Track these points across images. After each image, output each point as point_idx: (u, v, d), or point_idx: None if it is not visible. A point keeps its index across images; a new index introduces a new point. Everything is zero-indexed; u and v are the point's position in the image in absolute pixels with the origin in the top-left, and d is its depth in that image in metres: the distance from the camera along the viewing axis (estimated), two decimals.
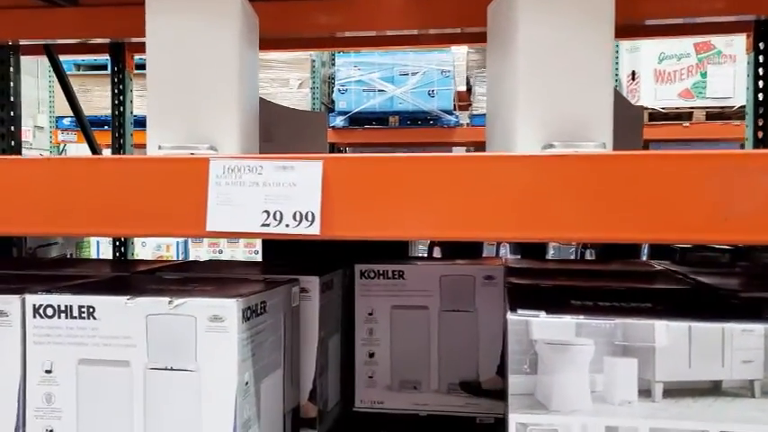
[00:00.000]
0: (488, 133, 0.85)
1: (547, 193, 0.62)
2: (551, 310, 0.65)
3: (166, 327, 0.68)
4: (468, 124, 4.06)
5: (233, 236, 0.67)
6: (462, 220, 0.62)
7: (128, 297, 0.69)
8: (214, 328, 0.68)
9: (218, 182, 0.67)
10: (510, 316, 0.64)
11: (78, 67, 4.03)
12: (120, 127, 1.93)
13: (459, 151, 4.58)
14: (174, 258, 4.01)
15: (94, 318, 0.70)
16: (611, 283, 0.86)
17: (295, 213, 0.66)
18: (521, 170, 0.63)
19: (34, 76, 6.85)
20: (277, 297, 0.79)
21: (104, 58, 2.90)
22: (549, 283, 0.84)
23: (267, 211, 0.66)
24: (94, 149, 1.99)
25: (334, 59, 4.17)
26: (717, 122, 3.80)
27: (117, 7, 1.23)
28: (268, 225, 0.66)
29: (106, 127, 3.01)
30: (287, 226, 0.66)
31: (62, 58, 3.91)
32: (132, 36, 1.26)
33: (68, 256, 1.93)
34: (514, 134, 0.71)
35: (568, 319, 0.63)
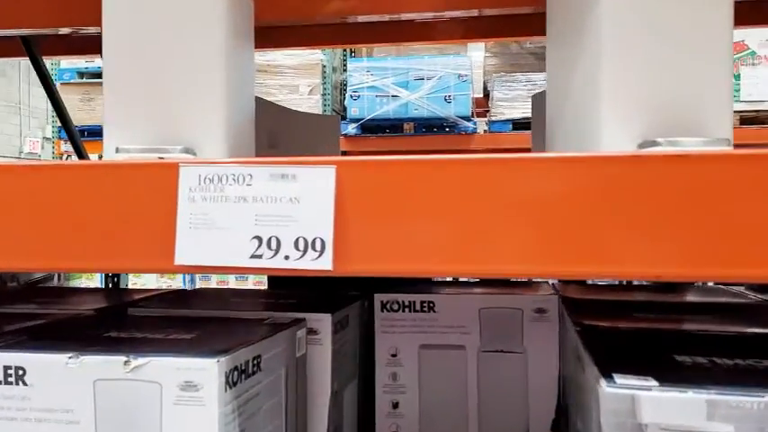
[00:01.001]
0: (549, 137, 0.66)
1: (654, 205, 0.43)
2: (661, 375, 0.46)
3: (121, 397, 0.50)
4: (485, 131, 3.87)
5: (209, 271, 0.49)
6: (541, 251, 0.43)
7: (70, 355, 0.51)
8: (186, 400, 0.49)
9: (192, 197, 0.48)
10: (605, 387, 0.44)
11: (82, 75, 3.89)
12: None
13: None
14: (181, 286, 3.83)
15: (25, 383, 0.51)
16: (711, 324, 0.66)
17: (297, 240, 0.47)
18: (618, 175, 0.44)
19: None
20: (276, 347, 0.60)
21: None
22: (631, 325, 0.64)
23: (258, 237, 0.47)
24: (82, 158, 1.82)
25: (345, 65, 4.00)
26: (752, 127, 3.58)
27: None
28: (260, 257, 0.47)
29: None
30: (286, 258, 0.47)
31: (64, 65, 3.79)
32: None
33: (56, 280, 1.75)
34: (597, 130, 0.52)
35: (694, 395, 0.43)
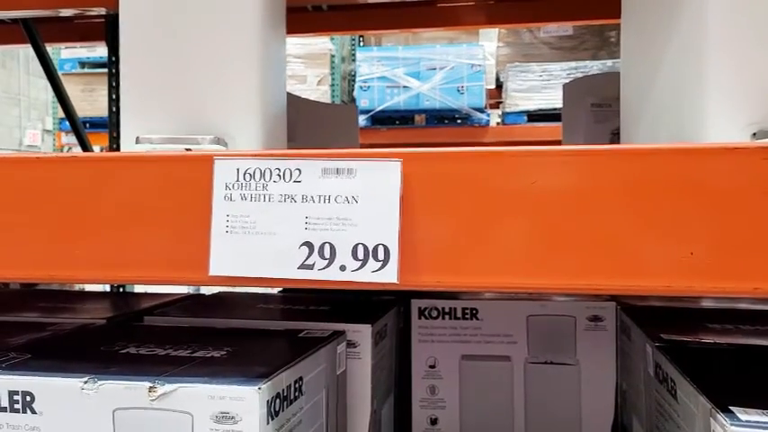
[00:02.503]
0: (625, 127, 0.58)
1: None
2: None
3: (145, 430, 0.42)
4: (498, 123, 3.78)
5: (250, 283, 0.41)
6: (673, 264, 0.36)
7: (85, 379, 0.43)
8: None
9: (229, 195, 0.41)
10: (729, 426, 0.37)
11: (83, 65, 3.80)
12: (117, 124, 1.69)
13: None
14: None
15: (33, 411, 0.44)
16: None
17: (356, 247, 0.39)
18: (737, 173, 0.36)
19: (44, 78, 6.68)
20: (317, 366, 0.53)
21: None
22: (719, 339, 0.56)
23: (309, 244, 0.40)
24: (88, 151, 1.75)
25: (354, 55, 3.91)
26: None
27: None
28: (310, 267, 0.40)
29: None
30: (342, 269, 0.39)
31: (65, 55, 3.71)
32: None
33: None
34: (700, 118, 0.44)
35: None
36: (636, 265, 0.36)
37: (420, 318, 0.79)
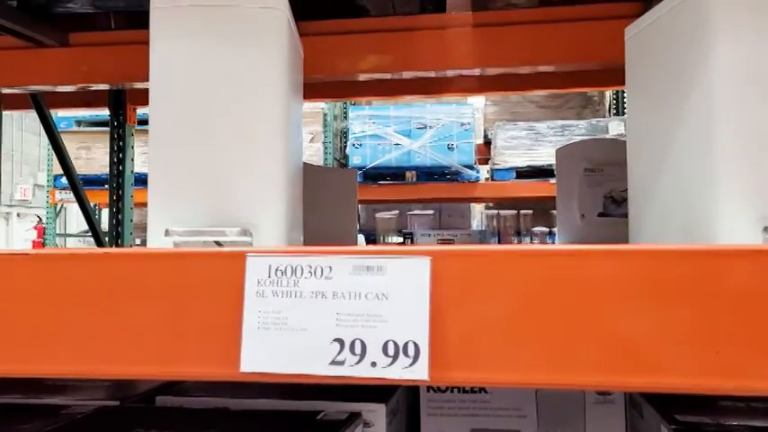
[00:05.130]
0: (635, 213, 0.60)
1: None
2: None
3: None
4: (487, 179, 3.84)
5: (282, 379, 0.42)
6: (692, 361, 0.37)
7: None
8: None
9: (261, 291, 0.42)
10: None
11: (79, 123, 3.83)
12: (119, 186, 1.70)
13: (477, 208, 4.35)
14: None
15: None
16: None
17: (386, 344, 0.40)
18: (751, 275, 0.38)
19: (36, 134, 6.73)
20: None
21: (106, 113, 2.71)
22: (730, 420, 0.57)
23: (340, 340, 0.41)
24: (86, 210, 1.76)
25: (346, 113, 3.99)
26: None
27: (114, 47, 1.00)
28: (341, 363, 0.40)
29: (107, 186, 2.79)
30: (373, 365, 0.40)
31: (62, 113, 3.74)
32: (134, 80, 1.04)
33: None
34: (710, 212, 0.47)
35: None
36: (661, 363, 0.37)
37: (429, 391, 0.79)
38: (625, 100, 1.24)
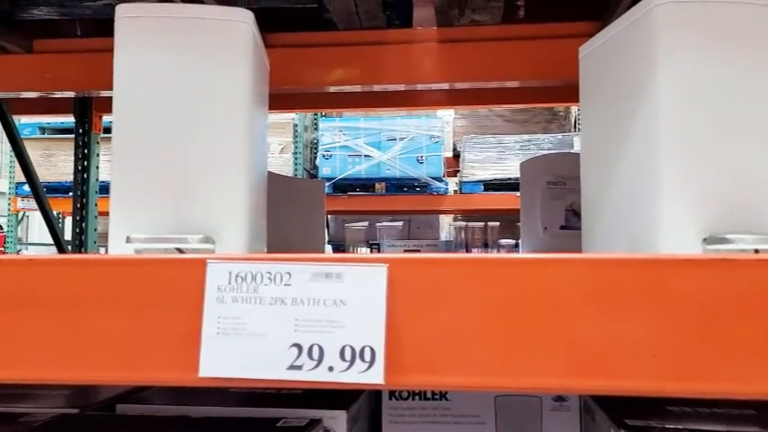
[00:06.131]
0: (587, 224, 0.62)
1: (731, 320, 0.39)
2: None
3: None
4: (456, 191, 3.88)
5: (240, 383, 0.42)
6: (624, 365, 0.39)
7: None
8: None
9: (221, 297, 0.42)
10: None
11: (43, 130, 3.77)
12: (83, 194, 1.68)
13: (446, 220, 4.38)
14: None
15: None
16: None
17: (343, 349, 0.41)
18: (693, 283, 0.40)
19: None
20: None
21: (71, 120, 2.67)
22: (677, 425, 0.59)
23: (298, 345, 0.42)
24: (49, 218, 1.73)
25: (316, 124, 3.99)
26: None
27: (80, 54, 1.00)
28: (299, 368, 0.41)
29: (71, 194, 2.75)
30: (330, 370, 0.41)
31: (25, 119, 3.68)
32: (100, 88, 1.03)
33: None
34: (655, 222, 0.49)
35: None
36: (609, 367, 0.39)
37: (391, 398, 0.80)
38: None
